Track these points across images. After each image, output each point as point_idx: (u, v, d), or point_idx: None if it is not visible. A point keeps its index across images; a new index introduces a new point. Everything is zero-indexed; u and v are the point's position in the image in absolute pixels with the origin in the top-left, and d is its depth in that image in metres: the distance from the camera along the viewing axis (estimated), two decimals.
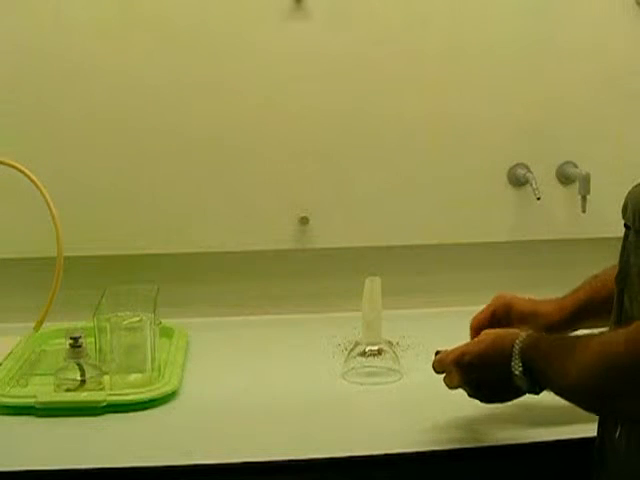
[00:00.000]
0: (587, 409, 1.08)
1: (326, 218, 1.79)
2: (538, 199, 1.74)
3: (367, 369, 1.48)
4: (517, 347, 1.13)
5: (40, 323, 1.63)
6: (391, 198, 1.80)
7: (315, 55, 1.73)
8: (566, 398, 1.09)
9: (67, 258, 1.62)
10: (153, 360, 1.44)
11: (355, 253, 1.81)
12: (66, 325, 1.56)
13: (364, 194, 1.79)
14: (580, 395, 1.06)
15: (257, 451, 1.23)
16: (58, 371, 1.41)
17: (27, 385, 1.44)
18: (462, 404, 1.24)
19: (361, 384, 1.46)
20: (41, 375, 1.47)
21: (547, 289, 1.39)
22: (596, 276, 1.35)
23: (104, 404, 1.34)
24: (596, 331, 1.08)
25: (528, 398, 1.16)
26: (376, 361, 1.48)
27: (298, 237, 1.79)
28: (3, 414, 1.34)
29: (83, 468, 1.19)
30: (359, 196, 1.79)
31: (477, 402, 1.23)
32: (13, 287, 1.75)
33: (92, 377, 1.40)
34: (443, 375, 1.24)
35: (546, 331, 1.32)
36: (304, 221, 1.78)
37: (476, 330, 1.34)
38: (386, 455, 1.22)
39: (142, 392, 1.38)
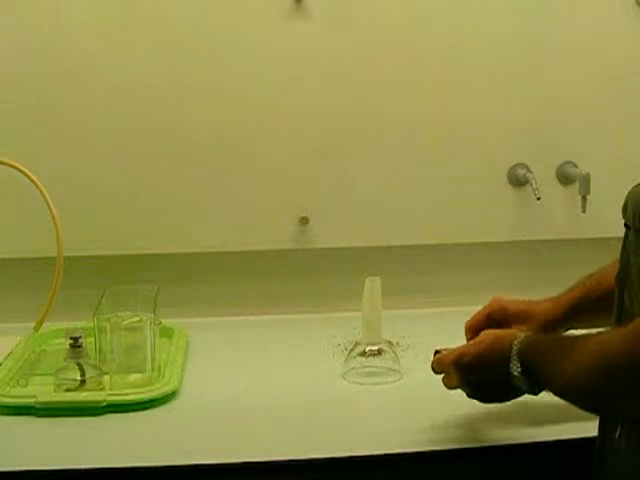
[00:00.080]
0: (585, 409, 1.08)
1: (326, 218, 1.79)
2: (538, 199, 1.74)
3: (367, 369, 1.48)
4: (515, 348, 1.13)
5: (40, 323, 1.63)
6: (391, 198, 1.80)
7: (315, 55, 1.73)
8: (564, 398, 1.09)
9: (67, 258, 1.62)
10: (153, 360, 1.44)
11: (355, 253, 1.81)
12: (66, 325, 1.56)
13: (364, 194, 1.79)
14: (578, 394, 1.06)
15: (257, 451, 1.23)
16: (58, 371, 1.41)
17: (27, 385, 1.44)
18: (462, 404, 1.24)
19: (361, 384, 1.46)
20: (41, 375, 1.47)
21: (547, 289, 1.39)
22: (591, 275, 1.36)
23: (104, 404, 1.34)
24: (594, 331, 1.08)
25: (528, 398, 1.16)
26: (376, 361, 1.48)
27: (298, 237, 1.79)
28: (3, 414, 1.34)
29: (83, 468, 1.19)
30: (359, 196, 1.79)
31: (477, 402, 1.23)
32: (13, 287, 1.75)
33: (92, 377, 1.40)
34: (442, 375, 1.24)
35: (542, 330, 1.32)
36: (304, 221, 1.78)
37: (471, 332, 1.34)
38: (386, 455, 1.22)
39: (142, 392, 1.38)
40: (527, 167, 1.80)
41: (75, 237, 1.66)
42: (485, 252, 1.84)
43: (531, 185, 1.76)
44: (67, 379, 1.39)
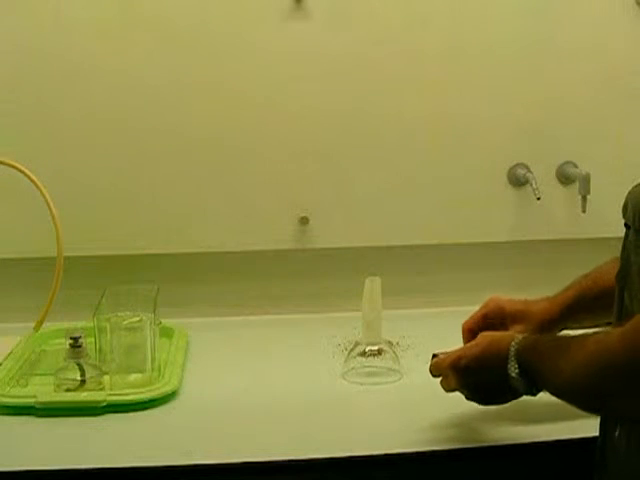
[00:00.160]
0: (583, 408, 1.08)
1: (326, 218, 1.79)
2: (538, 199, 1.74)
3: (367, 369, 1.48)
4: (513, 349, 1.13)
5: (40, 323, 1.63)
6: (391, 198, 1.80)
7: (315, 55, 1.73)
8: (562, 398, 1.09)
9: (67, 258, 1.62)
10: (153, 360, 1.44)
11: (355, 253, 1.81)
12: (66, 325, 1.56)
13: (364, 194, 1.79)
14: (576, 394, 1.06)
15: (257, 451, 1.23)
16: (58, 371, 1.41)
17: (27, 385, 1.44)
18: (462, 404, 1.24)
19: (361, 384, 1.46)
20: (41, 375, 1.47)
21: (547, 289, 1.39)
22: (586, 275, 1.36)
23: (104, 404, 1.34)
24: (590, 330, 1.09)
25: (528, 398, 1.16)
26: (376, 361, 1.48)
27: (298, 237, 1.79)
28: (3, 414, 1.34)
29: (83, 468, 1.19)
30: (359, 196, 1.79)
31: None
32: (13, 287, 1.75)
33: (92, 377, 1.40)
34: (440, 378, 1.24)
35: (538, 330, 1.32)
36: (304, 221, 1.78)
37: (468, 333, 1.35)
38: (386, 455, 1.22)
39: (142, 392, 1.38)
40: (527, 167, 1.80)
41: (75, 237, 1.66)
42: (485, 252, 1.84)
43: (531, 185, 1.76)
44: (67, 379, 1.39)
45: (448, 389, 1.23)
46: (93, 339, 1.47)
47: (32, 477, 1.18)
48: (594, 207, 1.73)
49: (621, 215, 1.16)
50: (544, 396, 1.13)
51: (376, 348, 1.49)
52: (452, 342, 1.31)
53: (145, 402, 1.36)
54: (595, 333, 1.06)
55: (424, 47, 1.75)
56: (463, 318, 1.38)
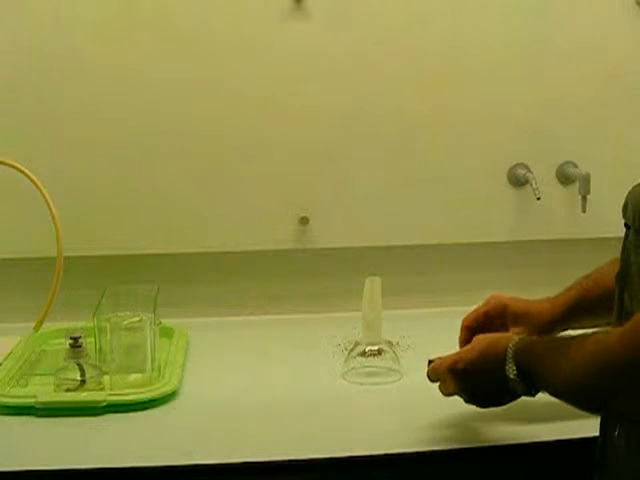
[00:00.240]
0: (582, 408, 1.08)
1: (326, 218, 1.79)
2: (538, 199, 1.74)
3: (367, 369, 1.48)
4: (510, 350, 1.13)
5: (40, 323, 1.63)
6: (391, 198, 1.79)
7: (315, 55, 1.73)
8: (561, 398, 1.09)
9: (67, 258, 1.62)
10: (153, 360, 1.44)
11: (355, 253, 1.81)
12: (66, 325, 1.56)
13: (364, 194, 1.79)
14: (575, 394, 1.06)
15: (257, 451, 1.23)
16: (58, 371, 1.41)
17: (27, 385, 1.44)
18: (461, 404, 1.24)
19: (361, 384, 1.46)
20: (41, 375, 1.47)
21: (547, 289, 1.39)
22: (587, 276, 1.36)
23: (104, 404, 1.34)
24: (589, 331, 1.09)
25: (528, 398, 1.16)
26: (376, 361, 1.48)
27: (298, 237, 1.79)
28: (3, 414, 1.34)
29: (83, 468, 1.19)
30: (359, 196, 1.79)
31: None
32: (13, 287, 1.75)
33: (92, 377, 1.40)
34: (438, 383, 1.24)
35: (539, 330, 1.32)
36: (304, 221, 1.78)
37: (467, 329, 1.34)
38: (386, 455, 1.22)
39: (142, 392, 1.38)
40: (527, 167, 1.80)
41: (75, 237, 1.66)
42: (485, 252, 1.84)
43: (531, 185, 1.76)
44: (67, 379, 1.39)
45: (446, 393, 1.23)
46: (93, 339, 1.47)
47: (32, 477, 1.18)
48: (594, 207, 1.73)
49: (621, 215, 1.16)
50: (544, 396, 1.13)
51: (376, 348, 1.49)
52: (452, 342, 1.31)
53: (145, 402, 1.36)
54: (594, 333, 1.06)
55: (424, 47, 1.75)
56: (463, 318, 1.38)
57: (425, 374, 1.26)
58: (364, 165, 1.78)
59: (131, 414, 1.34)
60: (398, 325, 1.59)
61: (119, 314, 1.48)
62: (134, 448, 1.25)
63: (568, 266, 1.62)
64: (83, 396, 1.37)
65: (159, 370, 1.46)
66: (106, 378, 1.42)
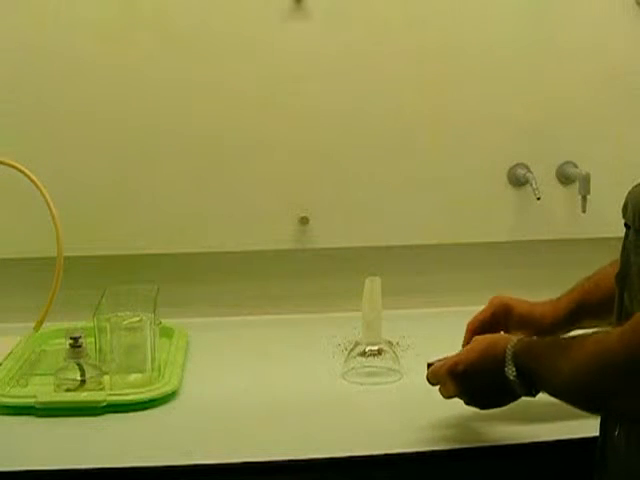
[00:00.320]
0: (582, 408, 1.08)
1: (326, 218, 1.79)
2: (538, 199, 1.74)
3: (367, 369, 1.48)
4: (509, 352, 1.13)
5: (40, 323, 1.63)
6: (391, 198, 1.79)
7: (315, 55, 1.73)
8: (561, 398, 1.09)
9: (67, 258, 1.62)
10: (153, 360, 1.44)
11: (355, 253, 1.81)
12: (66, 325, 1.56)
13: (364, 194, 1.79)
14: (575, 394, 1.06)
15: (257, 451, 1.23)
16: (58, 371, 1.41)
17: (27, 385, 1.44)
18: (461, 404, 1.24)
19: (361, 384, 1.46)
20: (41, 375, 1.47)
21: (547, 289, 1.39)
22: (588, 278, 1.36)
23: (104, 404, 1.34)
24: (589, 331, 1.09)
25: (528, 398, 1.16)
26: (376, 361, 1.48)
27: (298, 237, 1.79)
28: (3, 414, 1.34)
29: (83, 468, 1.19)
30: (359, 196, 1.79)
31: None
32: (13, 287, 1.75)
33: (92, 377, 1.40)
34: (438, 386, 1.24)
35: (541, 333, 1.32)
36: (304, 221, 1.78)
37: (472, 332, 1.34)
38: (386, 455, 1.22)
39: (142, 392, 1.38)
40: (527, 167, 1.80)
41: (75, 237, 1.66)
42: (485, 252, 1.84)
43: (531, 185, 1.76)
44: (67, 379, 1.39)
45: (447, 396, 1.23)
46: (93, 339, 1.47)
47: (32, 477, 1.18)
48: (594, 207, 1.73)
49: (621, 215, 1.16)
50: (544, 396, 1.13)
51: (376, 348, 1.49)
52: (452, 342, 1.31)
53: (145, 402, 1.36)
54: (594, 333, 1.06)
55: (424, 47, 1.75)
56: (463, 318, 1.38)
57: (425, 377, 1.26)
58: (364, 165, 1.78)
59: (131, 414, 1.34)
60: (398, 325, 1.59)
61: (119, 314, 1.48)
62: (134, 448, 1.25)
63: (568, 266, 1.62)
64: (83, 396, 1.37)
65: (159, 370, 1.46)
66: (106, 378, 1.42)
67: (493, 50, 1.76)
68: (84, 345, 1.42)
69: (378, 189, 1.79)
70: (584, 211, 1.73)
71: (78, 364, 1.41)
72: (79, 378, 1.39)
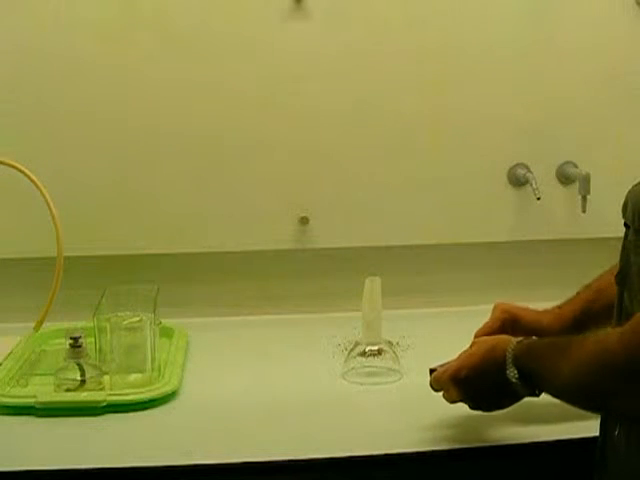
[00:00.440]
0: (583, 408, 1.09)
1: (326, 218, 1.79)
2: (538, 199, 1.74)
3: (367, 369, 1.48)
4: (510, 355, 1.14)
5: (40, 323, 1.63)
6: (391, 198, 1.79)
7: (315, 55, 1.73)
8: (562, 398, 1.09)
9: (67, 258, 1.62)
10: (153, 360, 1.44)
11: (355, 253, 1.81)
12: (66, 325, 1.56)
13: (364, 194, 1.79)
14: (576, 394, 1.06)
15: (257, 451, 1.23)
16: (58, 371, 1.41)
17: (27, 385, 1.44)
18: (461, 404, 1.24)
19: (361, 384, 1.46)
20: (41, 375, 1.47)
21: (547, 289, 1.39)
22: (589, 285, 1.36)
23: (104, 404, 1.34)
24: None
25: (528, 397, 1.16)
26: (376, 361, 1.48)
27: (298, 237, 1.79)
28: (3, 414, 1.34)
29: (83, 468, 1.19)
30: (359, 196, 1.79)
31: None
32: (13, 287, 1.75)
33: (92, 377, 1.40)
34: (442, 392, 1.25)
35: None
36: (304, 221, 1.78)
37: None
38: (386, 455, 1.22)
39: (142, 392, 1.38)
40: (527, 167, 1.80)
41: (75, 237, 1.66)
42: (485, 252, 1.84)
43: (531, 185, 1.76)
44: (67, 379, 1.39)
45: (451, 401, 1.23)
46: (93, 339, 1.47)
47: (32, 477, 1.18)
48: (594, 207, 1.73)
49: (621, 215, 1.16)
50: (544, 396, 1.14)
51: (376, 348, 1.49)
52: (452, 342, 1.31)
53: (145, 402, 1.36)
54: (595, 333, 1.06)
55: (424, 47, 1.75)
56: (463, 318, 1.38)
57: (428, 383, 1.26)
58: (364, 165, 1.78)
59: (131, 414, 1.34)
60: (398, 325, 1.59)
61: (119, 314, 1.48)
62: (134, 448, 1.25)
63: (568, 266, 1.63)
64: (83, 396, 1.37)
65: (159, 370, 1.46)
66: (106, 378, 1.42)
67: (493, 50, 1.76)
68: (84, 345, 1.42)
69: (378, 189, 1.79)
70: (584, 211, 1.73)
71: (78, 364, 1.41)
72: (79, 378, 1.39)
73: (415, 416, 1.32)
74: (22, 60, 1.68)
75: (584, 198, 1.72)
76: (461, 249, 1.84)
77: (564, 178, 1.82)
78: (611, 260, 1.23)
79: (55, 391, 1.39)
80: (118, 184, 1.74)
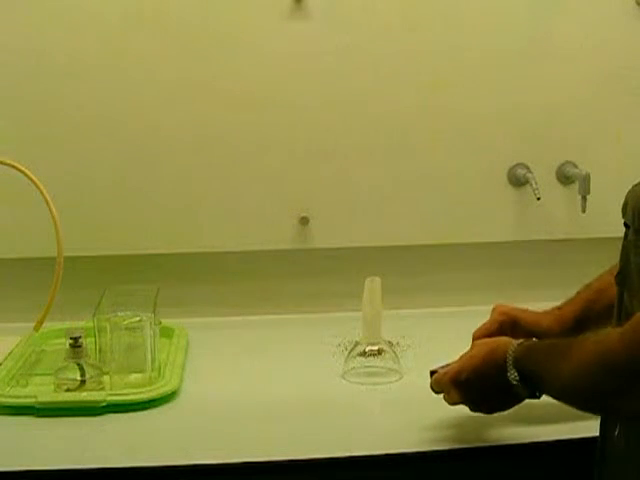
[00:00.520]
0: (584, 409, 1.09)
1: (326, 218, 1.79)
2: (538, 199, 1.74)
3: (367, 369, 1.48)
4: (510, 357, 1.14)
5: (40, 323, 1.63)
6: (391, 198, 1.79)
7: (315, 55, 1.73)
8: (563, 400, 1.09)
9: (67, 258, 1.62)
10: (153, 360, 1.44)
11: (355, 253, 1.81)
12: (66, 325, 1.56)
13: (364, 194, 1.79)
14: (577, 395, 1.06)
15: (257, 451, 1.23)
16: (58, 371, 1.41)
17: (27, 385, 1.44)
18: (461, 405, 1.24)
19: (361, 384, 1.46)
20: (41, 375, 1.47)
21: (547, 289, 1.39)
22: (588, 285, 1.36)
23: (104, 404, 1.34)
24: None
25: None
26: (376, 361, 1.48)
27: (298, 237, 1.79)
28: (3, 414, 1.34)
29: (83, 468, 1.19)
30: (359, 196, 1.79)
31: None
32: (13, 287, 1.75)
33: (92, 377, 1.40)
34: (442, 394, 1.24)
35: None
36: (304, 221, 1.78)
37: None
38: (386, 455, 1.22)
39: (142, 392, 1.38)
40: (527, 167, 1.80)
41: (75, 237, 1.66)
42: (485, 252, 1.84)
43: (531, 185, 1.76)
44: (67, 379, 1.39)
45: (452, 403, 1.23)
46: (93, 339, 1.47)
47: (32, 477, 1.18)
48: (594, 207, 1.73)
49: (621, 215, 1.16)
50: (544, 396, 1.13)
51: (376, 348, 1.49)
52: (452, 342, 1.31)
53: (145, 402, 1.36)
54: (595, 333, 1.06)
55: (424, 47, 1.75)
56: (463, 318, 1.38)
57: (428, 383, 1.26)
58: (364, 165, 1.78)
59: (131, 414, 1.34)
60: (398, 325, 1.59)
61: (119, 314, 1.48)
62: (134, 448, 1.25)
63: (568, 266, 1.63)
64: (83, 396, 1.37)
65: (159, 370, 1.46)
66: (106, 378, 1.42)
67: (493, 50, 1.76)
68: (84, 345, 1.42)
69: (378, 189, 1.79)
70: (584, 211, 1.73)
71: (78, 364, 1.41)
72: (79, 378, 1.39)
73: (415, 416, 1.32)
74: (22, 60, 1.68)
75: (584, 198, 1.72)
76: (461, 249, 1.84)
77: (564, 178, 1.82)
78: (611, 260, 1.23)
79: (55, 391, 1.39)
80: (118, 184, 1.74)
